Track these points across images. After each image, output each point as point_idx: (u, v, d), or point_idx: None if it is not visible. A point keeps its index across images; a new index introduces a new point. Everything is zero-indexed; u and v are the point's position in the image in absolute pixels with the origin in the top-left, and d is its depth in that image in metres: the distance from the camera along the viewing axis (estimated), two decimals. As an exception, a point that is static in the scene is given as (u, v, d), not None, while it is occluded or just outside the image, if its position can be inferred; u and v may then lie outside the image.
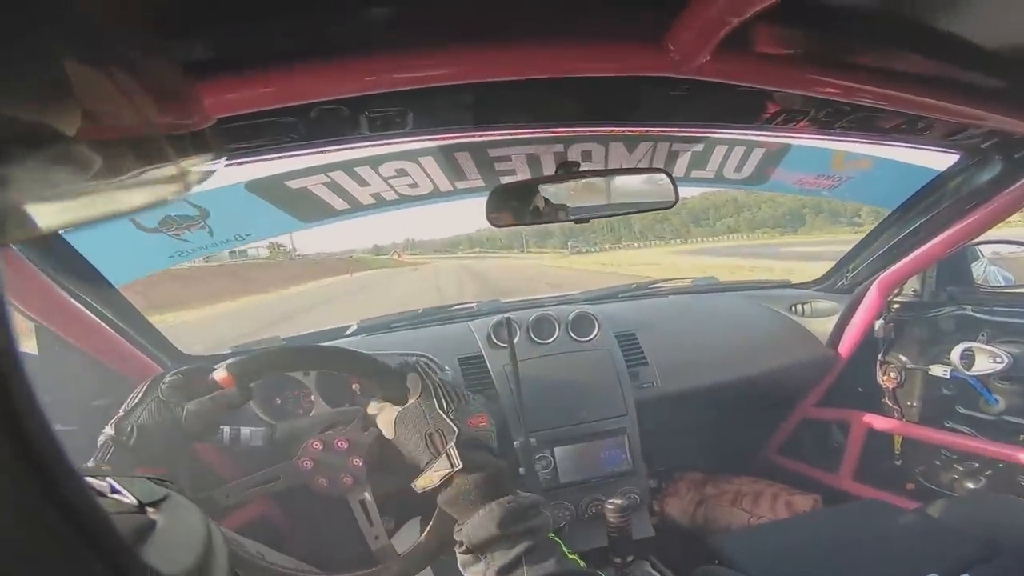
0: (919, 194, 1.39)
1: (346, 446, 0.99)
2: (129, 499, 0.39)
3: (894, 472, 1.67)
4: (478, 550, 0.72)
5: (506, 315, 1.39)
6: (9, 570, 0.17)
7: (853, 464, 1.71)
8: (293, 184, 1.47)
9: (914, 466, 1.64)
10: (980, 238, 1.46)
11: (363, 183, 1.49)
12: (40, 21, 0.17)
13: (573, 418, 1.38)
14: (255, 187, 1.47)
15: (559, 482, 1.35)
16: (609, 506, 1.10)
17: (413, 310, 1.65)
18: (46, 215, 0.16)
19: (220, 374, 0.90)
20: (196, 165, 0.27)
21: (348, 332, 1.55)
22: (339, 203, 1.50)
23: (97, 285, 1.07)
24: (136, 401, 0.89)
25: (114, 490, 0.39)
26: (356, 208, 1.51)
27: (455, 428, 0.80)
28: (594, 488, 1.37)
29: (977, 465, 1.51)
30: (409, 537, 1.17)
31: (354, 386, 1.27)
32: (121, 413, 0.88)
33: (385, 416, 0.86)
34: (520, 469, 1.32)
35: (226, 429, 1.00)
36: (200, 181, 0.29)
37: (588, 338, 1.46)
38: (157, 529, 0.36)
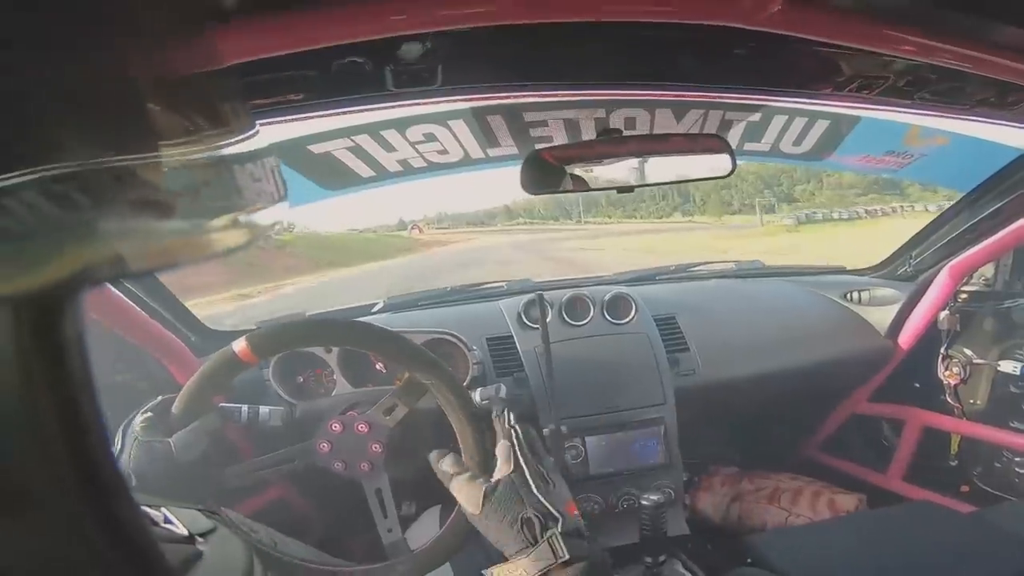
0: (999, 175, 1.32)
1: (366, 430, 0.98)
2: (179, 529, 0.43)
3: (948, 473, 1.62)
4: None
5: (538, 293, 1.36)
6: None
7: (904, 463, 1.66)
8: (316, 148, 1.45)
9: (971, 468, 1.59)
10: None
11: (389, 148, 1.46)
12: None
13: (607, 406, 1.35)
14: (276, 151, 1.44)
15: (589, 473, 1.33)
16: (645, 502, 1.05)
17: (441, 287, 1.63)
18: (134, 259, 0.17)
19: (240, 346, 0.89)
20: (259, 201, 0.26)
21: (375, 309, 1.55)
22: (364, 170, 1.47)
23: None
24: (117, 450, 0.86)
25: (167, 520, 0.44)
26: (382, 175, 1.48)
27: (558, 515, 0.71)
28: (626, 481, 1.34)
29: None
30: (428, 525, 1.17)
31: (377, 365, 1.26)
32: None
33: (469, 488, 0.76)
34: (549, 457, 1.31)
35: (244, 408, 1.00)
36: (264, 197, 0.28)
37: (625, 320, 1.42)
38: (203, 559, 0.40)
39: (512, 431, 0.81)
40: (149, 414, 0.89)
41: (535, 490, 0.73)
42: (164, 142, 0.19)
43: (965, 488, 1.59)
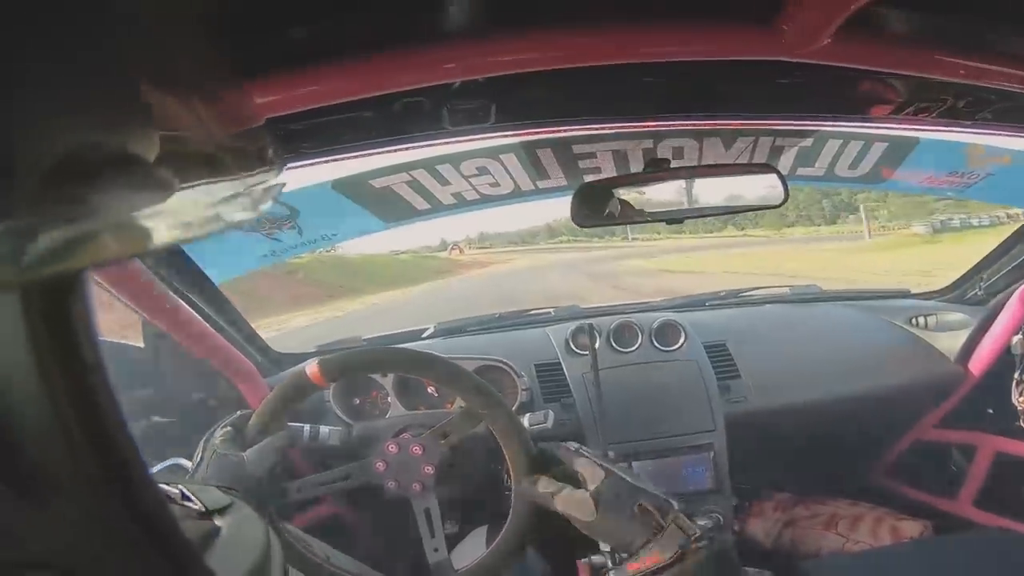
0: None
1: (420, 452, 1.01)
2: (197, 506, 0.43)
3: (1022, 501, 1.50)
4: None
5: (588, 320, 1.37)
6: (78, 568, 0.19)
7: (975, 490, 1.57)
8: (377, 183, 1.52)
9: None
10: None
11: (444, 182, 1.52)
12: (115, 44, 0.17)
13: (655, 431, 1.34)
14: (341, 186, 1.53)
15: None
16: (698, 526, 1.04)
17: (491, 313, 1.67)
18: (129, 239, 0.17)
19: (311, 369, 0.94)
20: (261, 182, 0.28)
21: (425, 335, 1.59)
22: (420, 203, 1.54)
23: (199, 282, 1.16)
24: (198, 459, 0.92)
25: (184, 497, 0.44)
26: (437, 208, 1.55)
27: (670, 500, 0.72)
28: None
29: None
30: (475, 545, 1.19)
31: (429, 389, 1.30)
32: (188, 474, 0.93)
33: (577, 499, 0.76)
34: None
35: (306, 427, 1.06)
36: (267, 199, 0.30)
37: (674, 348, 1.41)
38: (221, 535, 0.40)
39: (580, 450, 0.83)
40: (229, 428, 0.94)
41: (638, 483, 0.74)
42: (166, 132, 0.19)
43: None
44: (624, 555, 0.83)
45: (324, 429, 1.08)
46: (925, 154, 1.58)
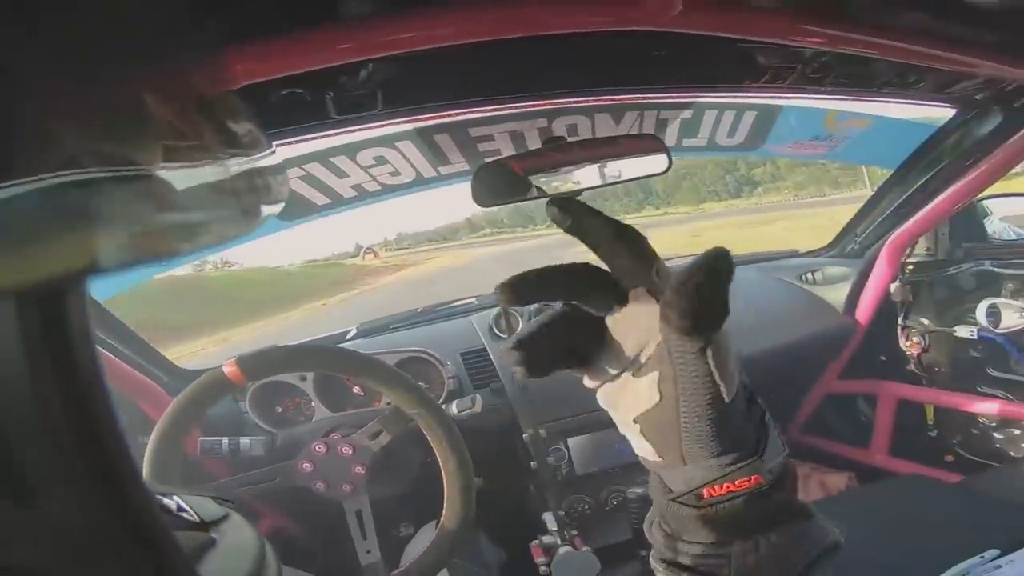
0: (919, 152, 1.40)
1: (350, 452, 1.00)
2: (193, 517, 0.43)
3: (930, 444, 1.65)
4: None
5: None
6: (67, 575, 0.19)
7: (886, 438, 1.70)
8: (271, 181, 1.46)
9: (951, 437, 1.62)
10: (988, 192, 1.46)
11: (341, 174, 1.49)
12: (111, 51, 0.17)
13: (584, 407, 1.37)
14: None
15: (576, 474, 1.35)
16: (630, 495, 1.08)
17: (412, 309, 1.66)
18: (129, 248, 0.17)
19: (229, 367, 0.90)
20: (261, 197, 0.27)
21: (349, 336, 1.57)
22: (319, 197, 1.51)
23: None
24: None
25: (180, 508, 0.44)
26: (338, 202, 1.52)
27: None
28: (613, 479, 1.36)
29: (1018, 432, 1.48)
30: (425, 543, 1.18)
31: (355, 389, 1.28)
32: None
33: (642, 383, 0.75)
34: (532, 463, 1.33)
35: (225, 440, 1.01)
36: (267, 213, 0.29)
37: None
38: (216, 546, 0.40)
39: None
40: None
41: None
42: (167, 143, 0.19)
43: (949, 458, 1.62)
44: (573, 533, 0.85)
45: (245, 440, 1.04)
46: (789, 121, 1.74)
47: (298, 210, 1.52)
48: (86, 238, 0.15)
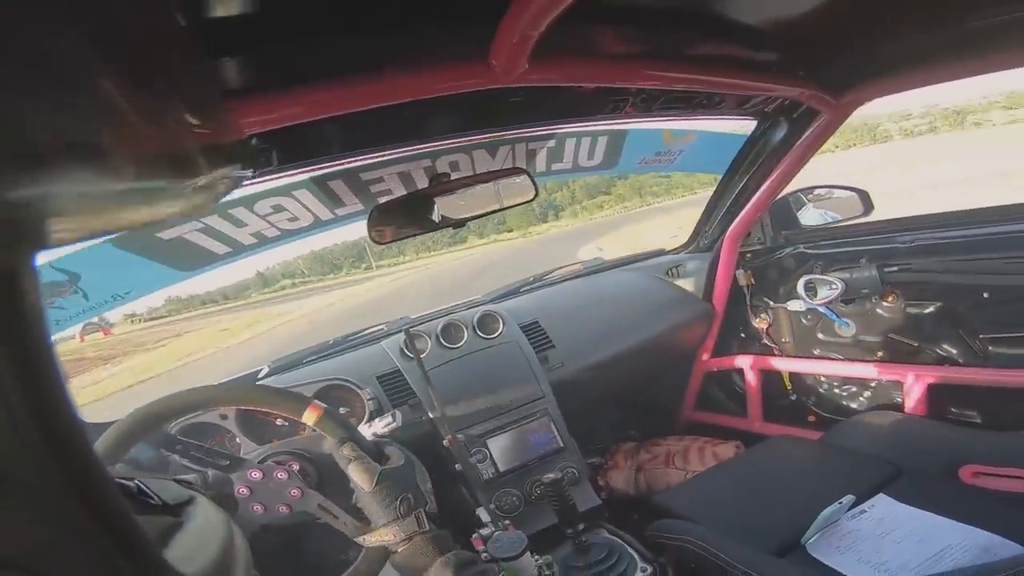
0: (737, 158, 1.66)
1: (285, 477, 1.03)
2: (156, 501, 0.41)
3: (792, 407, 1.85)
4: None
5: (411, 327, 1.49)
6: (38, 566, 0.18)
7: (758, 406, 1.89)
8: (165, 235, 1.48)
9: (806, 398, 1.83)
10: (799, 186, 1.76)
11: (240, 224, 1.53)
12: (83, 43, 0.18)
13: (495, 409, 1.50)
14: (124, 242, 1.45)
15: (500, 471, 1.46)
16: (545, 480, 1.18)
17: (323, 342, 1.69)
18: (83, 222, 0.17)
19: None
20: (225, 174, 0.29)
21: (261, 375, 1.56)
22: (219, 247, 1.52)
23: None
24: None
25: (141, 492, 0.41)
26: (240, 250, 1.54)
27: (428, 500, 0.91)
28: (533, 470, 1.48)
29: (854, 388, 1.70)
30: None
31: (278, 421, 1.29)
32: None
33: (365, 469, 0.90)
34: (456, 465, 1.41)
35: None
36: (228, 190, 0.32)
37: (495, 335, 1.60)
38: (183, 529, 0.38)
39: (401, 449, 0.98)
40: None
41: (418, 481, 0.93)
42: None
43: (812, 418, 1.79)
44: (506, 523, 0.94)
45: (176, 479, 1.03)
46: (635, 141, 2.02)
47: (197, 260, 1.52)
48: (34, 215, 0.14)
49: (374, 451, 0.94)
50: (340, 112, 0.81)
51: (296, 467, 1.03)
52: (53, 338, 0.18)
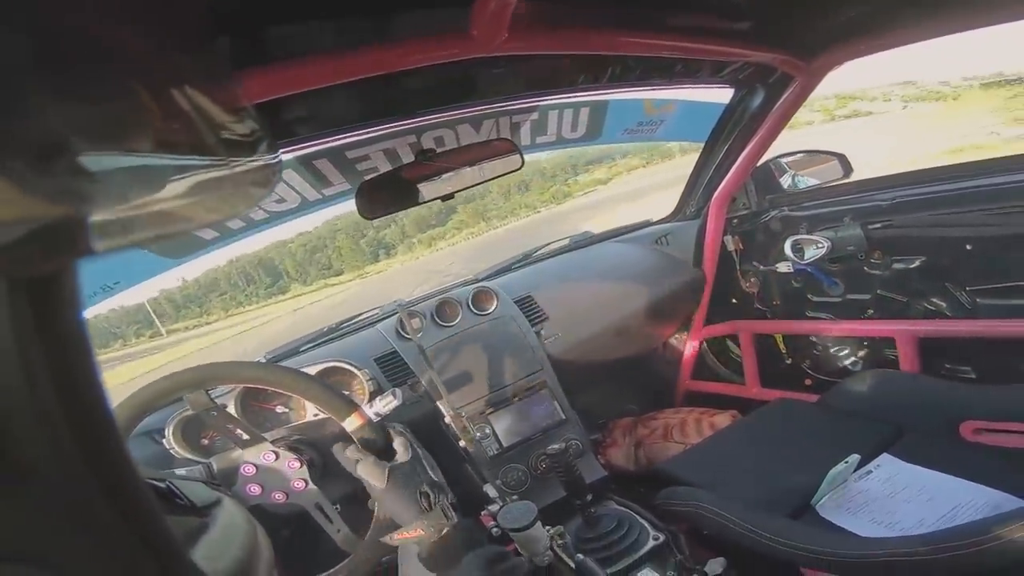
0: (717, 126, 1.67)
1: (297, 467, 1.06)
2: (184, 502, 0.42)
3: (788, 370, 1.86)
4: None
5: (406, 309, 1.50)
6: (63, 562, 0.19)
7: (754, 372, 1.90)
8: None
9: (801, 361, 1.84)
10: (778, 152, 1.78)
11: (227, 209, 1.48)
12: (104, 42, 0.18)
13: (495, 384, 1.52)
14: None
15: (504, 446, 1.47)
16: (550, 451, 1.17)
17: (318, 329, 1.69)
18: (123, 229, 0.17)
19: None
20: (256, 171, 0.28)
21: None
22: (207, 232, 1.52)
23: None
24: None
25: (172, 492, 0.42)
26: (228, 234, 1.54)
27: (446, 489, 0.89)
28: (537, 444, 1.49)
29: (848, 348, 1.71)
30: None
31: (277, 409, 1.31)
32: None
33: (374, 468, 0.89)
34: (460, 443, 1.43)
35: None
36: (264, 187, 0.30)
37: (490, 311, 1.62)
38: (209, 531, 0.40)
39: (405, 430, 0.98)
40: None
41: (429, 471, 0.91)
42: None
43: (808, 381, 1.80)
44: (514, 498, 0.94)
45: (180, 472, 1.05)
46: (616, 112, 2.03)
47: (187, 247, 1.52)
48: (78, 221, 0.15)
49: (381, 446, 0.93)
50: (320, 86, 0.82)
51: (307, 458, 1.05)
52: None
